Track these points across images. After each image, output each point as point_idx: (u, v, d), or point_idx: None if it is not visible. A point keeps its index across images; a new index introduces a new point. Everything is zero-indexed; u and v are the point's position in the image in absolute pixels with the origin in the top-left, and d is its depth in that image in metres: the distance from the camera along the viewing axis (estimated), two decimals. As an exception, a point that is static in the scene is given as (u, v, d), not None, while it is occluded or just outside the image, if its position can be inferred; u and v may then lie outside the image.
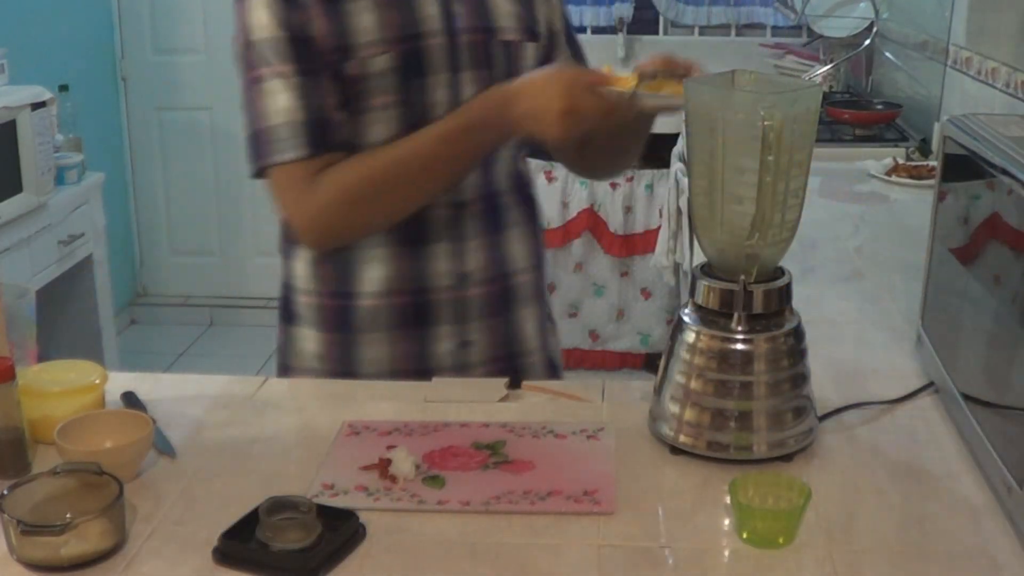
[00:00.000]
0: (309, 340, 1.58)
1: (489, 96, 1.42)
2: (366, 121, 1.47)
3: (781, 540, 1.10)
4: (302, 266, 1.57)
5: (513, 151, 1.59)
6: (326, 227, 1.47)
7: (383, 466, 1.24)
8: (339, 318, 1.56)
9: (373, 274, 1.53)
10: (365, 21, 1.44)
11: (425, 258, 1.53)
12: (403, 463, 1.23)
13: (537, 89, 1.37)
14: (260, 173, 1.47)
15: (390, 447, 1.28)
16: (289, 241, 1.59)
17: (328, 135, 1.44)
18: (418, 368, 1.55)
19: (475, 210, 1.54)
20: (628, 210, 3.81)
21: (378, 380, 1.54)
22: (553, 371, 1.70)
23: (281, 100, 1.42)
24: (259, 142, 1.45)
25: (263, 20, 1.43)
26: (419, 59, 1.46)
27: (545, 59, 1.58)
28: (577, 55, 1.65)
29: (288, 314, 1.62)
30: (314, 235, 1.50)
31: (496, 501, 1.18)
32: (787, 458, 1.26)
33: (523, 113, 1.37)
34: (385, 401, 1.44)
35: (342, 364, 1.56)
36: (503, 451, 1.29)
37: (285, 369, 1.63)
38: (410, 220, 1.50)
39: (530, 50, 1.56)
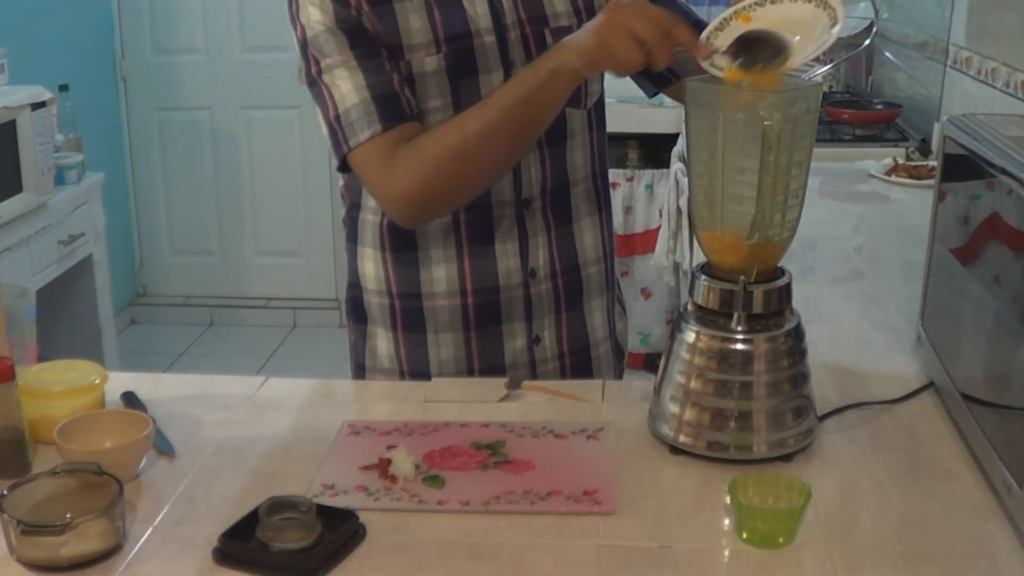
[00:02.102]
0: (382, 339, 1.60)
1: (549, 50, 1.38)
2: (424, 123, 1.45)
3: (781, 540, 1.10)
4: (371, 266, 1.58)
5: (585, 138, 1.57)
6: (414, 200, 1.43)
7: (383, 466, 1.24)
8: (410, 318, 1.56)
9: (441, 274, 1.53)
10: (414, 22, 1.43)
11: (492, 257, 1.53)
12: (403, 463, 1.23)
13: (588, 24, 1.33)
14: (344, 164, 1.45)
15: (390, 447, 1.28)
16: (355, 241, 1.59)
17: (400, 107, 1.41)
18: (491, 366, 1.56)
19: (539, 207, 1.54)
20: (628, 210, 3.81)
21: (453, 378, 1.54)
22: (620, 357, 1.71)
23: (346, 85, 1.41)
24: (335, 131, 1.43)
25: (316, 16, 1.43)
26: (470, 58, 1.45)
27: None
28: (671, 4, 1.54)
29: (359, 314, 1.62)
30: (403, 210, 1.45)
31: (496, 501, 1.18)
32: (787, 458, 1.26)
33: (571, 47, 1.33)
34: (385, 401, 1.44)
35: (416, 364, 1.57)
36: (503, 451, 1.29)
37: (360, 369, 1.64)
38: (475, 220, 1.51)
39: None
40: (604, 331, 1.65)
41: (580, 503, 1.18)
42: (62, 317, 3.61)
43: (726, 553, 1.11)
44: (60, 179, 3.40)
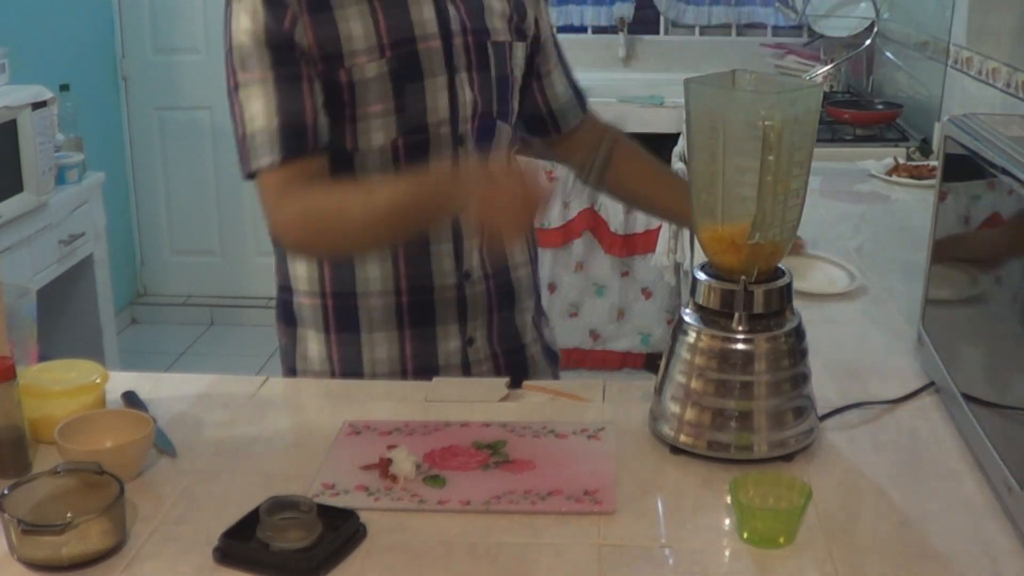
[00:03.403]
0: (313, 341, 1.59)
1: (442, 175, 1.42)
2: (363, 128, 1.47)
3: (782, 540, 1.10)
4: (302, 267, 1.57)
5: (511, 150, 1.60)
6: (294, 242, 1.48)
7: (384, 466, 1.24)
8: (343, 318, 1.56)
9: (376, 272, 1.54)
10: (355, 29, 1.44)
11: (427, 257, 1.53)
12: (404, 463, 1.23)
13: (480, 186, 1.32)
14: (248, 177, 1.48)
15: (391, 447, 1.28)
16: None
17: (305, 140, 1.43)
18: (424, 366, 1.56)
19: None
20: (629, 210, 3.81)
21: (385, 380, 1.54)
22: (553, 360, 1.72)
23: (257, 106, 1.43)
24: (241, 148, 1.46)
25: (245, 25, 1.42)
26: (415, 63, 1.46)
27: (531, 59, 1.61)
28: (559, 56, 1.70)
29: (289, 316, 1.62)
30: (285, 245, 1.52)
31: (496, 501, 1.18)
32: (788, 458, 1.26)
33: (460, 195, 1.33)
34: (385, 401, 1.44)
35: (349, 365, 1.57)
36: (503, 451, 1.29)
37: (292, 372, 1.63)
38: None
39: (519, 50, 1.58)
40: (533, 332, 1.67)
41: (580, 503, 1.18)
42: (63, 317, 3.61)
43: (726, 553, 1.11)
44: (61, 179, 3.40)
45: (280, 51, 1.42)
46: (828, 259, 1.95)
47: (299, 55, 1.42)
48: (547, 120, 1.70)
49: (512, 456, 1.28)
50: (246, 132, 1.44)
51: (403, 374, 1.57)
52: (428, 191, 1.38)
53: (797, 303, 1.31)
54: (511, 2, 1.57)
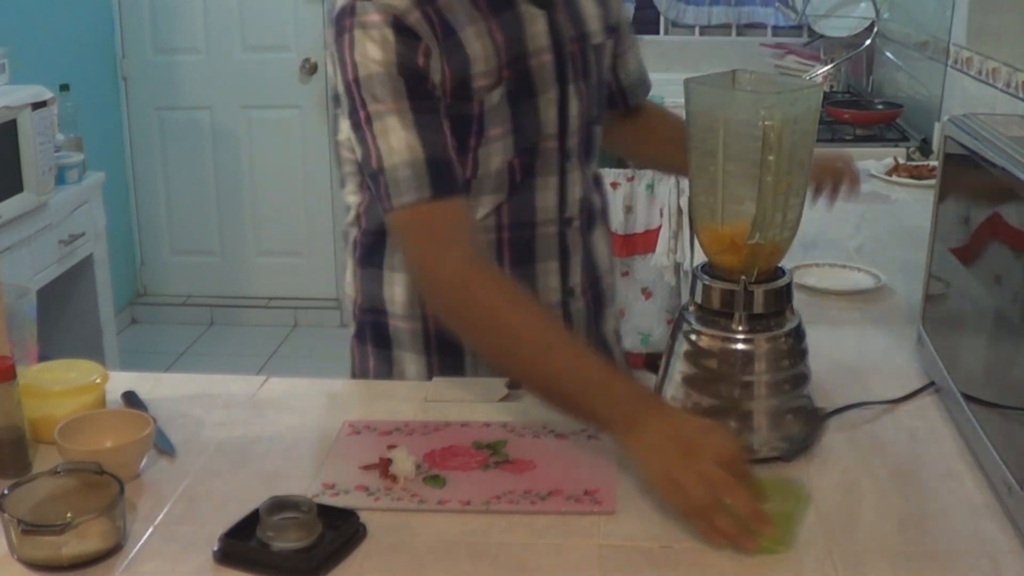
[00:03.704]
0: (411, 363, 1.54)
1: (627, 401, 1.19)
2: (483, 154, 1.42)
3: (780, 549, 1.09)
4: (401, 290, 1.51)
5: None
6: (437, 297, 1.36)
7: (384, 466, 1.24)
8: (446, 340, 1.48)
9: None
10: (476, 50, 1.37)
11: (534, 276, 1.51)
12: (404, 462, 1.23)
13: (671, 444, 1.13)
14: (388, 213, 1.36)
15: (391, 447, 1.28)
16: (379, 264, 1.52)
17: (453, 176, 1.34)
18: None
19: (577, 226, 1.53)
20: (628, 210, 3.80)
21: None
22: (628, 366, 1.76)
23: (396, 138, 1.32)
24: (380, 184, 1.34)
25: (374, 55, 1.32)
26: (528, 80, 1.42)
27: (612, 54, 1.59)
28: (631, 47, 1.67)
29: (381, 339, 1.55)
30: (427, 291, 1.39)
31: (497, 501, 1.18)
32: (788, 458, 1.26)
33: (634, 446, 1.17)
34: (385, 401, 1.44)
35: None
36: (504, 451, 1.29)
37: None
38: (518, 238, 1.47)
39: (609, 47, 1.56)
40: (614, 338, 1.67)
41: (580, 503, 1.18)
42: (63, 317, 3.61)
43: (726, 553, 1.11)
44: (61, 179, 3.40)
45: (414, 81, 1.33)
46: (849, 265, 1.95)
47: (431, 88, 1.34)
48: (616, 96, 1.66)
49: (512, 456, 1.28)
50: (384, 165, 1.33)
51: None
52: (598, 401, 1.20)
53: (801, 300, 1.31)
54: (599, 2, 1.52)
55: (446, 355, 1.52)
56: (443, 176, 1.33)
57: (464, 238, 1.34)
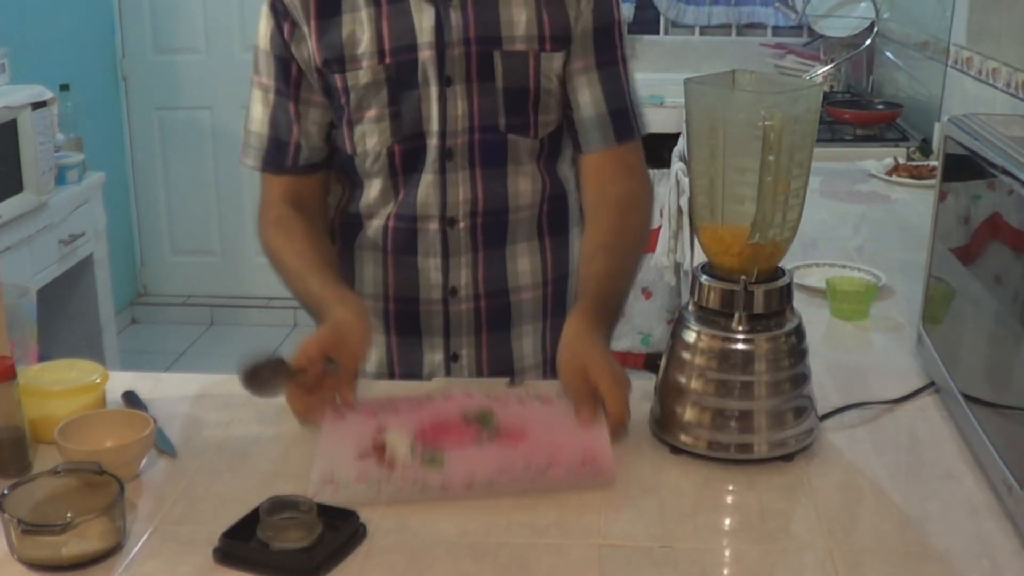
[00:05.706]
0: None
1: (327, 299, 1.42)
2: (359, 132, 1.50)
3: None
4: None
5: (535, 167, 1.55)
6: (264, 248, 1.57)
7: (379, 452, 1.24)
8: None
9: (368, 276, 1.58)
10: (359, 34, 1.46)
11: (414, 268, 1.55)
12: (399, 446, 1.23)
13: (341, 321, 1.37)
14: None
15: (382, 430, 1.28)
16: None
17: (284, 158, 1.54)
18: (410, 374, 1.59)
19: (465, 227, 1.53)
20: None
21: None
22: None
23: (257, 109, 1.55)
24: (244, 139, 1.58)
25: (262, 30, 1.52)
26: (411, 71, 1.47)
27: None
28: (606, 60, 1.53)
29: None
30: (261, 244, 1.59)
31: (499, 478, 1.19)
32: (788, 458, 1.26)
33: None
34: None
35: None
36: (493, 422, 1.30)
37: None
38: (401, 229, 1.54)
39: (554, 60, 1.49)
40: (536, 358, 1.61)
41: (581, 474, 1.19)
42: (63, 317, 3.61)
43: (726, 553, 1.11)
44: (61, 179, 3.40)
45: (282, 63, 1.51)
46: (849, 265, 1.95)
47: (297, 67, 1.50)
48: (569, 127, 1.55)
49: (502, 426, 1.29)
50: (247, 127, 1.57)
51: (391, 376, 1.60)
52: (314, 299, 1.45)
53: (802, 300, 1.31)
54: (545, 9, 1.47)
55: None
56: (277, 155, 1.55)
57: (279, 204, 1.55)
